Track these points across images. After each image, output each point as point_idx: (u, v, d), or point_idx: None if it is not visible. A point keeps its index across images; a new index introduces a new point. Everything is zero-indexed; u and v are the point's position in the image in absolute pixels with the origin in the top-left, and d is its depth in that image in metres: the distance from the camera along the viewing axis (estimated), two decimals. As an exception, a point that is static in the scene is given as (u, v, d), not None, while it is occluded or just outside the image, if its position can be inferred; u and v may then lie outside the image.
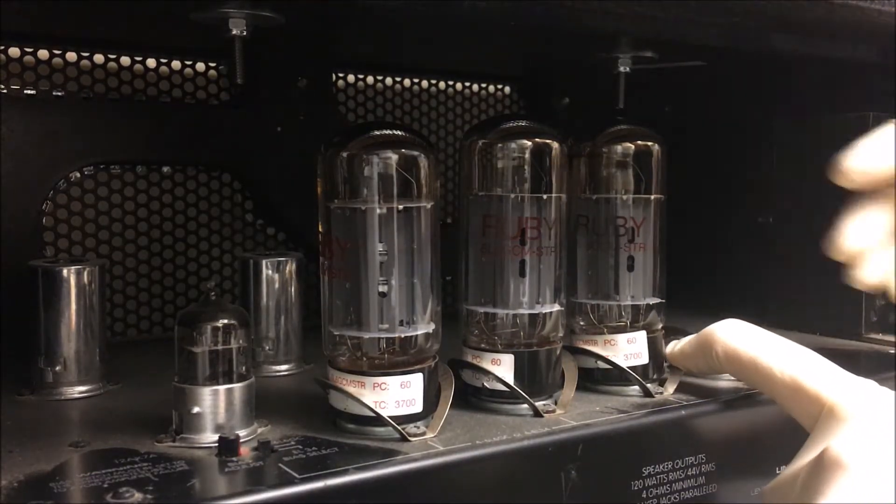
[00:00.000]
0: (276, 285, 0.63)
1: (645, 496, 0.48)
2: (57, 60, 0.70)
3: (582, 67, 0.85)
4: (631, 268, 0.56)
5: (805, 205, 0.74)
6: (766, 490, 0.44)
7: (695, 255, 0.80)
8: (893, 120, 0.48)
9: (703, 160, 0.83)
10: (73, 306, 0.55)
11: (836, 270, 0.49)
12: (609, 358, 0.55)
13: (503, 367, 0.51)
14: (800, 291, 0.75)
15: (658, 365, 0.56)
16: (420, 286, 0.47)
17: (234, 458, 0.42)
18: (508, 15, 0.49)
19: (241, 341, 0.46)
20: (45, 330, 0.55)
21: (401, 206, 0.46)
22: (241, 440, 0.43)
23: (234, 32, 0.49)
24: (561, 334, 0.53)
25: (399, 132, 0.49)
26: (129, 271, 0.75)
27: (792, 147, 0.76)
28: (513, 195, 0.51)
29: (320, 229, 0.48)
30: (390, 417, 0.45)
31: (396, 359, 0.47)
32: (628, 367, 0.54)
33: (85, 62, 0.72)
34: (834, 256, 0.48)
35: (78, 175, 0.71)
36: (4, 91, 0.68)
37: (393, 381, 0.46)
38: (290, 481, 0.39)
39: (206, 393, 0.45)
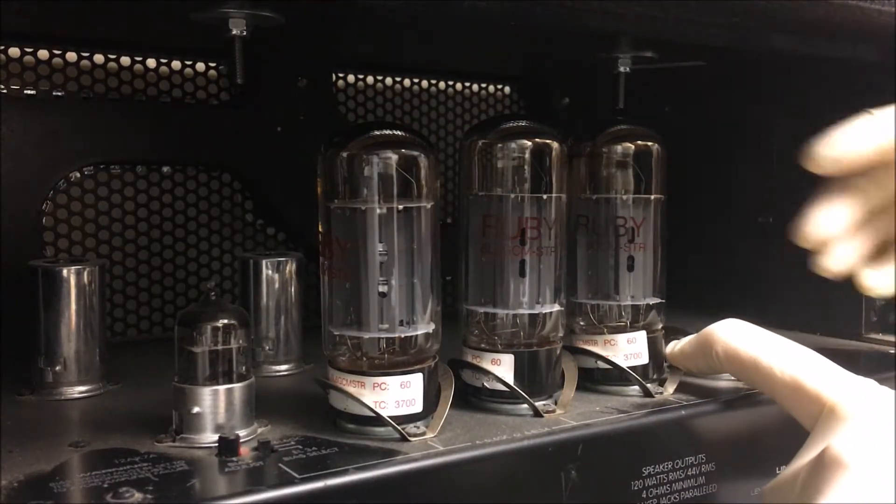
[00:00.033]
0: (276, 285, 0.63)
1: (645, 496, 0.48)
2: (57, 60, 0.70)
3: (582, 67, 0.85)
4: (631, 268, 0.56)
5: (805, 205, 0.74)
6: (766, 490, 0.44)
7: (695, 255, 0.80)
8: (870, 111, 0.49)
9: (703, 160, 0.83)
10: (73, 306, 0.55)
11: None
12: (609, 358, 0.55)
13: (503, 367, 0.51)
14: (800, 291, 0.75)
15: (658, 365, 0.56)
16: (420, 286, 0.47)
17: (234, 458, 0.42)
18: (508, 15, 0.49)
19: (241, 341, 0.46)
20: (45, 330, 0.55)
21: (401, 206, 0.46)
22: (241, 440, 0.43)
23: (234, 32, 0.49)
24: (561, 334, 0.53)
25: (399, 132, 0.49)
26: (129, 271, 0.75)
27: (792, 147, 0.76)
28: (513, 195, 0.51)
29: (320, 229, 0.48)
30: (390, 417, 0.45)
31: (396, 359, 0.47)
32: (628, 367, 0.54)
33: (85, 62, 0.72)
34: (800, 243, 0.48)
35: (78, 175, 0.71)
36: (4, 91, 0.68)
37: (393, 381, 0.46)
38: (290, 481, 0.39)
39: (206, 393, 0.45)
